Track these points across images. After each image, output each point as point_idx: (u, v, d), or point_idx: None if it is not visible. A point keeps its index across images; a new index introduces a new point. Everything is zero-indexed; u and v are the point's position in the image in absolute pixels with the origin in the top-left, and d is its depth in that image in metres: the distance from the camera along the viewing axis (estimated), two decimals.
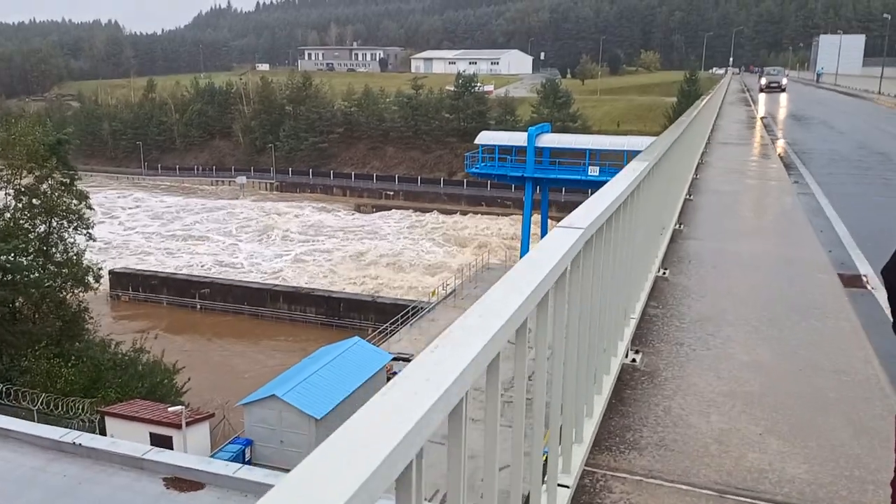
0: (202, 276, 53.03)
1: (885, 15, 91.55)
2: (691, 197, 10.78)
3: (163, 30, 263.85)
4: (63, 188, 30.79)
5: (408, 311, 39.24)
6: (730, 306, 5.80)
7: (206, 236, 71.90)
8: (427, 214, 77.25)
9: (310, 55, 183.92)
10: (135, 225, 77.71)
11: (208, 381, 37.12)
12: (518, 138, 39.35)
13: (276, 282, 52.91)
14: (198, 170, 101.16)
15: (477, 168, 39.90)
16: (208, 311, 49.57)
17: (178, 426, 20.13)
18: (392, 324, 37.91)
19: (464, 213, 75.73)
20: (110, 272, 53.63)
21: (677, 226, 8.60)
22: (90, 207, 31.86)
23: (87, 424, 21.20)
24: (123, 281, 52.67)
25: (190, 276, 52.93)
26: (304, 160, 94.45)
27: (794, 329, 5.30)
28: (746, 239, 8.58)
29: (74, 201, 30.82)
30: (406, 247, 64.48)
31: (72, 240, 31.20)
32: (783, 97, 46.02)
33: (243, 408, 23.24)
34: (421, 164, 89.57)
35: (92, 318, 32.77)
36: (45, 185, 30.51)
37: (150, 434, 20.11)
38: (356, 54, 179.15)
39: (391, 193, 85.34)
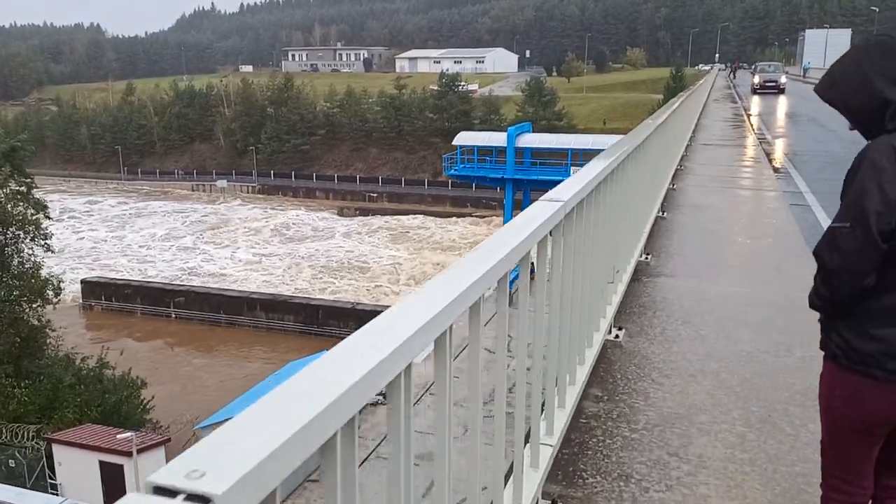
0: (177, 285, 51.61)
1: (872, 8, 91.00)
2: (664, 214, 9.33)
3: (146, 32, 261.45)
4: (19, 197, 29.38)
5: None
6: (705, 399, 4.09)
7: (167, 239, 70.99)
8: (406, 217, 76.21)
9: (293, 56, 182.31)
10: (84, 228, 76.75)
11: (178, 395, 35.79)
12: (497, 138, 38.12)
13: (251, 289, 51.54)
14: (178, 174, 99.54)
15: (455, 170, 38.63)
16: (183, 320, 48.15)
17: (128, 454, 18.83)
18: None
19: (446, 215, 74.56)
20: (82, 281, 52.22)
21: (643, 257, 7.09)
22: (48, 217, 30.41)
23: (32, 452, 19.89)
24: (96, 290, 51.17)
25: (164, 285, 51.49)
26: (287, 163, 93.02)
27: (805, 438, 3.61)
28: (731, 275, 6.96)
29: (31, 211, 29.39)
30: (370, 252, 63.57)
31: (29, 251, 29.77)
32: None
33: (200, 432, 21.85)
34: (405, 165, 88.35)
35: (54, 331, 31.36)
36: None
37: (100, 462, 18.82)
38: (340, 55, 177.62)
39: (375, 195, 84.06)
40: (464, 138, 38.64)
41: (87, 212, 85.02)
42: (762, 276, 6.83)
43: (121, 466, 18.96)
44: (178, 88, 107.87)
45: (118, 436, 19.48)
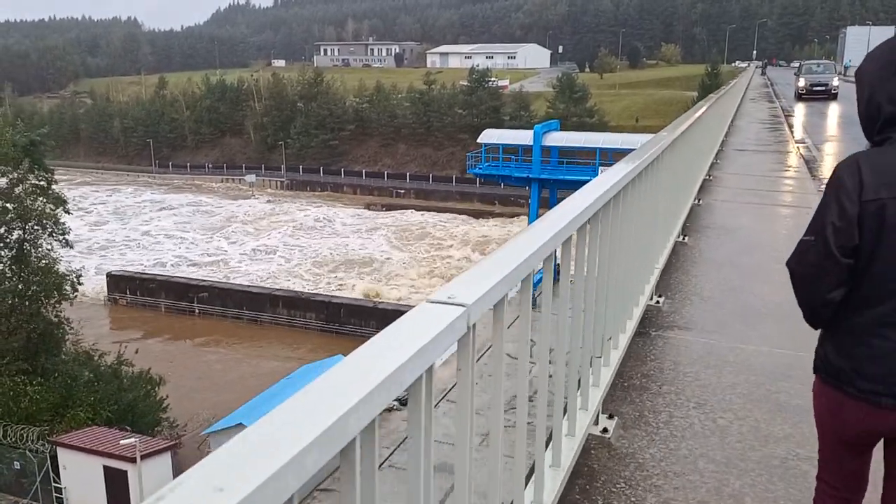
0: (200, 280, 51.47)
1: None
2: (685, 238, 7.99)
3: (182, 27, 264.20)
4: (38, 192, 29.17)
5: None
6: None
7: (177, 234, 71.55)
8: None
9: (325, 51, 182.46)
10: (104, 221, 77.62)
11: (196, 391, 35.48)
12: (523, 136, 37.01)
13: (273, 285, 51.18)
14: (208, 168, 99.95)
15: (480, 168, 37.65)
16: (206, 315, 48.01)
17: (132, 460, 18.34)
18: None
19: (475, 214, 73.72)
20: (108, 275, 52.37)
21: (654, 300, 5.73)
22: (67, 212, 30.16)
23: (38, 455, 19.51)
24: (121, 284, 51.26)
25: (188, 280, 51.39)
26: (315, 158, 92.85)
27: None
28: (765, 329, 5.35)
29: (50, 206, 29.16)
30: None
31: (49, 246, 29.56)
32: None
33: (210, 437, 21.27)
34: (433, 162, 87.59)
35: (72, 328, 31.17)
36: (18, 189, 28.88)
37: (104, 468, 18.36)
38: (372, 49, 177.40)
39: (402, 192, 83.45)
40: (489, 136, 37.62)
41: (103, 203, 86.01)
42: (806, 332, 5.74)
43: (125, 472, 18.50)
44: (209, 82, 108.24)
45: (122, 441, 19.01)
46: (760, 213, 9.79)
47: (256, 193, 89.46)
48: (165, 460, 19.96)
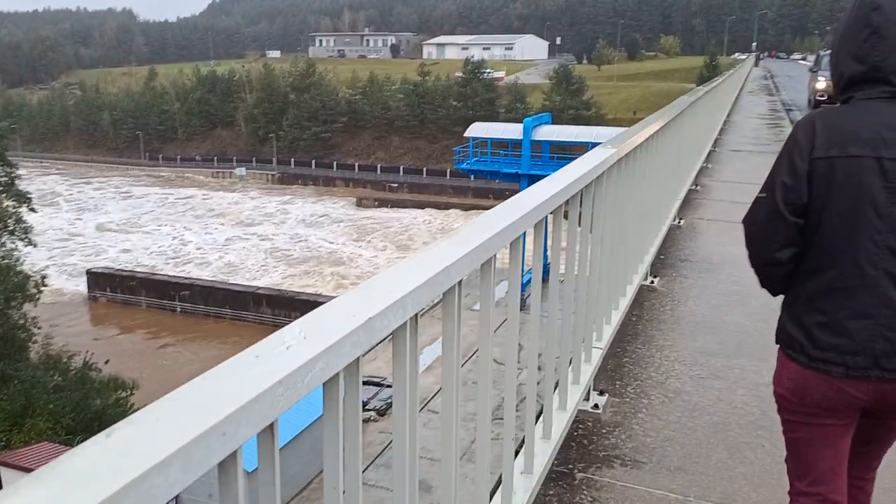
0: (182, 278, 50.09)
1: None
2: (654, 281, 5.96)
3: (178, 17, 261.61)
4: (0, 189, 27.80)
5: None
6: None
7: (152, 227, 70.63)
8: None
9: (321, 42, 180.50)
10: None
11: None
12: (513, 130, 35.44)
13: (259, 284, 49.78)
14: (198, 160, 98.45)
15: (467, 164, 36.13)
16: (188, 314, 46.66)
17: None
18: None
19: (466, 207, 72.44)
20: (88, 272, 51.02)
21: (589, 402, 3.78)
22: (32, 210, 28.77)
23: None
24: (101, 282, 49.91)
25: (170, 278, 50.04)
26: (307, 150, 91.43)
27: None
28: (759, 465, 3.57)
29: (12, 203, 27.77)
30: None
31: (13, 245, 28.19)
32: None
33: None
34: (427, 155, 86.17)
35: (39, 328, 29.79)
36: None
37: None
38: (367, 40, 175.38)
39: (395, 185, 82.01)
40: (476, 130, 36.04)
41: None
42: None
43: None
44: (199, 74, 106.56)
45: None
46: None
47: (244, 187, 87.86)
48: None
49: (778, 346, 2.33)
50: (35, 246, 29.49)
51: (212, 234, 65.96)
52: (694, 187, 10.20)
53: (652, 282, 5.97)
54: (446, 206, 73.47)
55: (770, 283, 2.36)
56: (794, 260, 2.25)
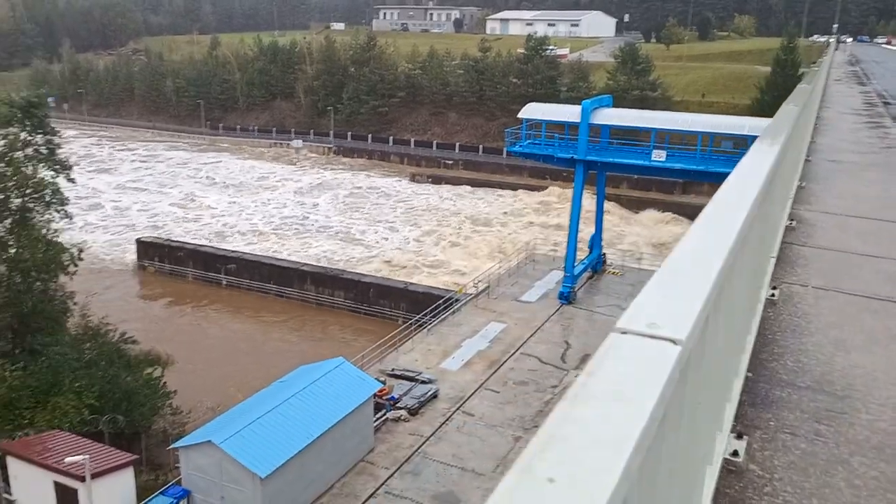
0: (229, 251, 49.66)
1: None
2: (737, 453, 2.94)
3: None
4: (39, 157, 27.25)
5: (439, 305, 34.24)
6: None
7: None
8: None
9: (385, 14, 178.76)
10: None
11: (210, 374, 33.57)
12: (570, 112, 33.39)
13: (305, 261, 48.99)
14: (256, 131, 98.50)
15: (520, 146, 34.30)
16: (234, 287, 46.28)
17: (81, 479, 16.17)
18: (425, 315, 32.80)
19: (514, 187, 70.74)
20: (138, 241, 51.14)
21: None
22: (70, 179, 28.20)
23: None
24: (150, 251, 49.93)
25: (217, 250, 49.70)
26: (364, 124, 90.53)
27: None
28: None
29: (51, 173, 27.22)
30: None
31: (50, 215, 27.70)
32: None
33: (178, 451, 18.77)
34: (484, 132, 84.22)
35: (76, 303, 29.41)
36: (19, 154, 26.97)
37: (55, 484, 16.21)
38: (431, 14, 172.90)
39: (450, 162, 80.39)
40: (531, 111, 34.10)
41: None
42: None
43: (75, 491, 16.37)
44: (261, 44, 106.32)
45: (66, 459, 16.69)
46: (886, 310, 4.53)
47: (301, 160, 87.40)
48: (124, 477, 17.68)
49: None
50: (71, 219, 28.95)
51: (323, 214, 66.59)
52: (790, 223, 6.87)
53: (735, 452, 2.95)
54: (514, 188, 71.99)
55: None
56: None
